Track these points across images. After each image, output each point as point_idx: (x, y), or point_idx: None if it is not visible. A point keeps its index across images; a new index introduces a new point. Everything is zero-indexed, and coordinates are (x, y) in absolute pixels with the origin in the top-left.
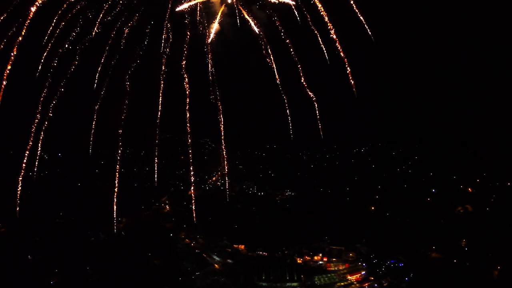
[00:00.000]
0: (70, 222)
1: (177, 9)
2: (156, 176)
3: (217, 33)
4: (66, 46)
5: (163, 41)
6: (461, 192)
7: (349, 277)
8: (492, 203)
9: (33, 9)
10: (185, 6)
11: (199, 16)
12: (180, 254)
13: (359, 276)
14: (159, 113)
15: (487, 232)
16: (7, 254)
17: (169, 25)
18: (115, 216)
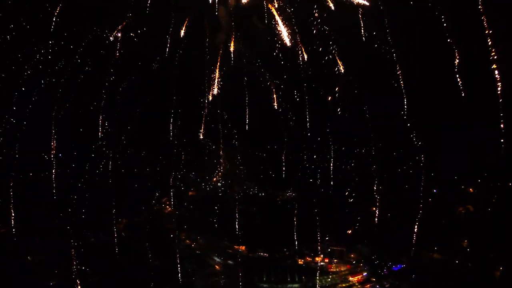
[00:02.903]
0: (70, 222)
1: None
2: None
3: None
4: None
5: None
6: (462, 192)
7: (350, 279)
8: (494, 203)
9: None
10: None
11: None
12: (181, 255)
13: (361, 277)
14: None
15: (488, 232)
16: (7, 254)
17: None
18: (115, 217)
